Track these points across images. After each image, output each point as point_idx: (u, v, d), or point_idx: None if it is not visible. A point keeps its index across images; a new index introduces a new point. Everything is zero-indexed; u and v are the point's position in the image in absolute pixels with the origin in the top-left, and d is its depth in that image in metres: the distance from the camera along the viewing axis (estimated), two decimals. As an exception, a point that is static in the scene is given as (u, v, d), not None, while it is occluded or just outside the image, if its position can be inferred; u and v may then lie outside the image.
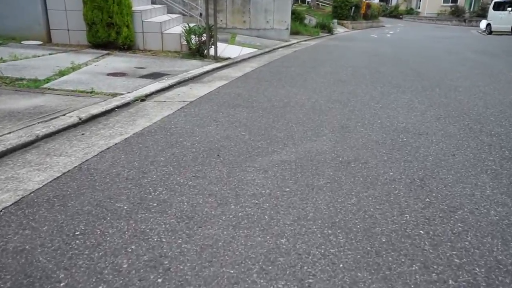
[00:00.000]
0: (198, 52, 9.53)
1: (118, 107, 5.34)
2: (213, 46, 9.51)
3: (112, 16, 9.22)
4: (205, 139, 4.04)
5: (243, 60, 10.05)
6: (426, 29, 28.76)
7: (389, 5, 40.47)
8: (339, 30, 23.18)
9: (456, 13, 36.69)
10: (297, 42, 15.15)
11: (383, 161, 3.58)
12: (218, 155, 3.62)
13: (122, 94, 5.88)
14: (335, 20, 23.70)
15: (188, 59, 9.28)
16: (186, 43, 9.60)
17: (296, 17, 19.92)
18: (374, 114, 5.22)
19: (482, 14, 35.39)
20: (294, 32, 17.89)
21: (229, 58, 9.93)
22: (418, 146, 4.00)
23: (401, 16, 38.42)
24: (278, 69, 8.73)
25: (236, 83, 7.11)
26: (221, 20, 14.66)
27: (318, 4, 32.06)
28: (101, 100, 5.48)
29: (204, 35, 9.42)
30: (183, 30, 9.51)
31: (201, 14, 14.71)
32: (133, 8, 9.75)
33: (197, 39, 9.45)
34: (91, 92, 5.90)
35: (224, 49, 11.15)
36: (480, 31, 27.33)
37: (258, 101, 5.82)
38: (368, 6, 28.94)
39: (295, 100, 5.96)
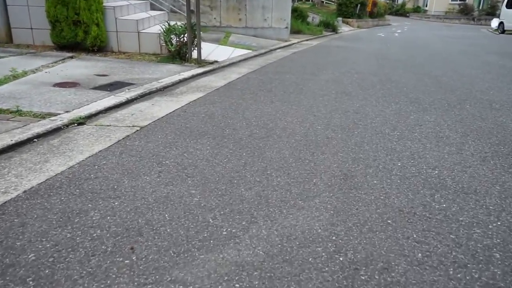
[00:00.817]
0: (178, 55, 7.94)
1: (40, 135, 3.79)
2: (196, 48, 7.93)
3: (79, 13, 7.64)
4: (124, 208, 2.46)
5: (232, 64, 8.46)
6: (434, 27, 26.90)
7: (396, 3, 38.54)
8: (344, 28, 21.46)
9: (465, 11, 34.70)
10: (298, 42, 13.50)
11: (416, 262, 2.00)
12: (131, 249, 2.05)
13: (55, 115, 4.32)
14: (340, 18, 21.96)
15: (165, 63, 7.71)
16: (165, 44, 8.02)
17: (298, 15, 18.24)
18: (390, 150, 3.62)
19: (492, 12, 33.42)
20: (295, 31, 16.23)
21: (216, 61, 8.34)
22: (469, 224, 2.40)
23: (408, 14, 36.51)
24: (270, 76, 7.13)
25: (213, 96, 5.53)
26: (215, 18, 13.05)
27: (323, 2, 30.27)
28: (21, 125, 3.93)
29: (186, 35, 7.83)
30: (162, 29, 7.93)
31: (192, 11, 13.12)
32: (104, 4, 8.18)
33: (177, 39, 7.87)
34: (15, 112, 4.35)
35: (213, 51, 9.57)
36: (491, 30, 25.45)
37: (233, 127, 4.23)
38: (374, 3, 27.13)
39: (283, 125, 4.37)
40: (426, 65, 9.08)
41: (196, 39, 7.93)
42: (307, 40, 14.61)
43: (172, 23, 8.11)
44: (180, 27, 7.89)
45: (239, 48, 10.54)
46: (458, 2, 35.46)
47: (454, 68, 8.80)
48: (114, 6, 8.25)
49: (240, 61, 8.90)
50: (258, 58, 9.56)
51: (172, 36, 7.86)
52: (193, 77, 6.86)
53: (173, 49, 7.81)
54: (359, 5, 24.07)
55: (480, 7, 35.43)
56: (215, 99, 5.32)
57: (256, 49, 10.68)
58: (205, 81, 6.54)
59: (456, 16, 34.89)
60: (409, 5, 38.03)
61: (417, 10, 37.31)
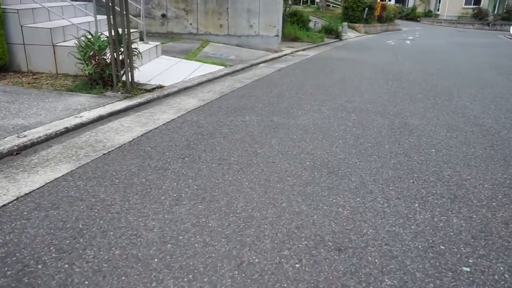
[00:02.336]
0: (101, 80, 5.28)
1: None
2: (136, 68, 5.26)
3: (-40, 19, 5.06)
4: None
5: (183, 90, 5.77)
6: (447, 33, 23.77)
7: (406, 6, 35.30)
8: (350, 34, 18.58)
9: (479, 16, 31.30)
10: (291, 53, 10.74)
11: None
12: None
13: None
14: (345, 23, 19.07)
15: (78, 92, 5.06)
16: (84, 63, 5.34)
17: (298, 19, 15.42)
18: None
19: (508, 17, 30.06)
20: (292, 38, 13.45)
21: (159, 87, 5.67)
22: None
23: (418, 19, 33.27)
24: (220, 118, 4.41)
25: (77, 179, 2.85)
26: (191, 24, 10.36)
27: (329, 5, 27.30)
28: None
29: (116, 51, 5.15)
30: (76, 44, 5.26)
31: (164, 15, 10.47)
32: (3, 6, 5.56)
33: (97, 58, 5.19)
34: None
35: (167, 69, 6.88)
36: (510, 36, 22.30)
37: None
38: (384, 7, 24.11)
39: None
40: (455, 93, 6.24)
41: (137, 55, 5.26)
42: (303, 49, 11.82)
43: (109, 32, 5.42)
44: (102, 40, 5.21)
45: (208, 63, 7.82)
46: (472, 6, 32.08)
47: (496, 96, 5.96)
48: (18, 9, 5.61)
49: (198, 84, 6.20)
50: (227, 78, 6.84)
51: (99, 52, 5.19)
52: (100, 119, 4.20)
53: (88, 72, 5.13)
54: (366, 8, 21.10)
55: (495, 12, 32.05)
56: (71, 190, 2.64)
57: (231, 65, 7.96)
58: (108, 130, 3.87)
59: (469, 21, 31.57)
60: (419, 9, 34.74)
61: (428, 14, 34.00)
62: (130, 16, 8.12)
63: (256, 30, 10.37)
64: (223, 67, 7.67)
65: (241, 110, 4.76)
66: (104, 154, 3.27)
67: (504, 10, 31.24)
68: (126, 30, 5.09)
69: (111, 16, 4.96)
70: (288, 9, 13.99)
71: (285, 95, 5.64)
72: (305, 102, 5.27)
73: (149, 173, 2.92)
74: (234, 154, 3.35)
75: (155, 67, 6.89)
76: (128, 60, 5.19)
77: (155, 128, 3.98)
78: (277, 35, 10.41)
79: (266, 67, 8.28)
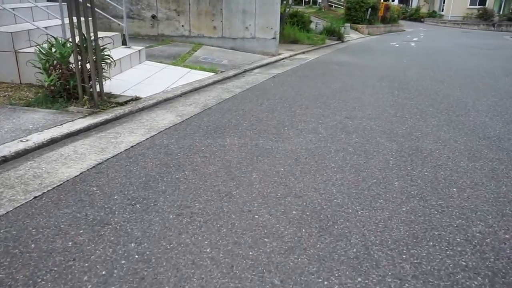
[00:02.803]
0: (66, 92, 4.53)
1: None
2: (99, 79, 4.51)
3: None
4: None
5: (162, 102, 5.02)
6: (453, 34, 22.85)
7: (409, 7, 34.29)
8: (352, 36, 17.74)
9: (484, 17, 30.29)
10: (290, 57, 9.94)
11: None
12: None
13: None
14: (348, 24, 18.24)
15: (37, 107, 4.31)
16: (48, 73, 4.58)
17: (298, 20, 14.61)
18: None
19: (514, 17, 29.12)
20: (292, 41, 12.66)
21: (135, 99, 4.92)
22: None
23: (422, 20, 32.29)
24: (196, 141, 3.65)
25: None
26: (183, 26, 9.59)
27: (331, 6, 26.44)
28: None
29: (82, 59, 4.40)
30: (36, 50, 4.51)
31: (154, 17, 9.70)
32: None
33: (60, 67, 4.43)
34: None
35: (150, 77, 6.12)
36: (517, 38, 21.42)
37: None
38: (387, 8, 23.21)
39: None
40: (470, 106, 5.43)
41: (110, 62, 4.50)
42: (303, 52, 11.02)
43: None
44: (65, 47, 4.46)
45: (197, 69, 7.06)
46: (477, 6, 31.08)
47: (516, 111, 5.15)
48: (-26, 11, 4.87)
49: (181, 94, 5.44)
50: (215, 87, 6.08)
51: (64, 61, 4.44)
52: (51, 143, 3.46)
53: (48, 83, 4.38)
54: (370, 9, 20.23)
55: (501, 12, 31.04)
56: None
57: (222, 71, 7.19)
58: (55, 159, 3.12)
59: (474, 22, 30.59)
60: (423, 10, 33.75)
61: (432, 15, 33.01)
62: (112, 18, 7.38)
63: (252, 32, 9.58)
64: (213, 73, 6.90)
65: (222, 129, 3.99)
66: (35, 197, 2.51)
67: (510, 11, 30.23)
68: (93, 34, 4.33)
69: (79, 18, 4.20)
70: (287, 9, 13.19)
71: (277, 108, 4.86)
72: (299, 118, 4.49)
73: (81, 231, 2.16)
74: (202, 197, 2.58)
75: (135, 75, 6.13)
76: (96, 69, 4.43)
77: (113, 156, 3.22)
78: (274, 38, 9.62)
79: (261, 73, 7.50)
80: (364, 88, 6.27)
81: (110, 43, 5.15)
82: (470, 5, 31.29)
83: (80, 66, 4.40)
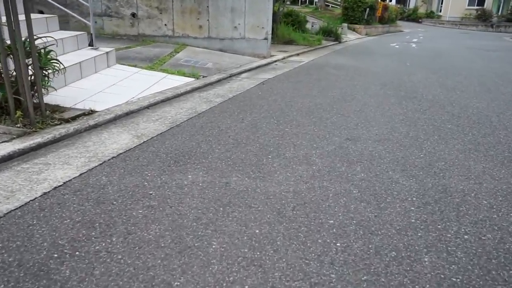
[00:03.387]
0: (-6, 106, 3.52)
1: None
2: (38, 89, 3.51)
3: None
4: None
5: (118, 118, 4.00)
6: (453, 35, 21.89)
7: (407, 7, 33.28)
8: (350, 36, 16.74)
9: (483, 18, 29.34)
10: (283, 59, 8.94)
11: None
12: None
13: None
14: (345, 24, 17.23)
15: (-50, 126, 3.30)
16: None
17: (293, 20, 13.61)
18: None
19: (512, 18, 28.23)
20: (286, 41, 11.65)
21: (89, 113, 3.90)
22: None
23: (420, 20, 31.28)
24: (147, 176, 2.66)
25: None
26: (165, 25, 8.56)
27: (328, 6, 25.41)
28: None
29: (17, 65, 3.38)
30: (-45, 53, 3.48)
31: (134, 15, 8.67)
32: None
33: (-16, 75, 3.41)
34: None
35: (114, 85, 5.08)
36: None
37: None
38: (385, 8, 22.21)
39: None
40: (495, 121, 4.43)
41: (54, 70, 3.49)
42: (297, 54, 10.02)
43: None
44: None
45: (175, 74, 6.05)
46: (476, 7, 30.15)
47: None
48: None
49: (148, 106, 4.44)
50: (193, 96, 5.07)
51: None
52: None
53: (-35, 97, 3.37)
54: (367, 9, 19.23)
55: (500, 13, 30.12)
56: None
57: (205, 76, 6.19)
58: None
59: (472, 22, 29.67)
60: (421, 10, 32.77)
61: (430, 15, 32.04)
62: (81, 18, 6.35)
63: (241, 32, 8.56)
64: (192, 79, 5.89)
65: (186, 158, 2.99)
66: None
67: (509, 11, 29.32)
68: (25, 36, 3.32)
69: (12, 14, 3.19)
70: (281, 8, 12.18)
71: (262, 126, 3.86)
72: (288, 140, 3.49)
73: None
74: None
75: (98, 82, 5.11)
76: (31, 77, 3.42)
77: (19, 207, 2.22)
78: (266, 38, 8.60)
79: (248, 78, 6.49)
80: (367, 98, 5.27)
81: (54, 44, 4.12)
82: (468, 5, 30.35)
83: (11, 73, 3.39)
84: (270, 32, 8.70)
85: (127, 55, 6.89)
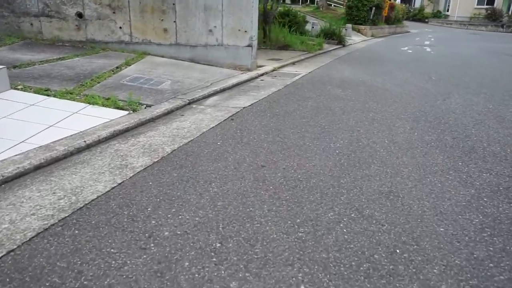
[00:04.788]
0: None
1: None
2: None
3: None
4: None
5: None
6: (464, 36, 19.45)
7: (412, 6, 30.66)
8: (354, 38, 14.42)
9: (493, 17, 26.79)
10: (273, 71, 6.71)
11: None
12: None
13: None
14: (349, 25, 14.89)
15: None
16: None
17: (290, 21, 11.35)
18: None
19: (524, 18, 25.71)
20: (281, 46, 9.42)
21: None
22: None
23: (426, 20, 28.75)
24: None
25: None
26: (121, 28, 6.34)
27: (330, 5, 23.00)
28: None
29: None
30: None
31: (80, 15, 6.44)
32: None
33: None
34: None
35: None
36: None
37: None
38: (392, 7, 19.78)
39: None
40: None
41: None
42: (293, 63, 7.79)
43: None
44: None
45: (99, 105, 3.82)
46: (485, 6, 27.59)
47: None
48: None
49: (1, 183, 2.25)
50: (102, 153, 2.85)
51: None
52: None
53: None
54: (373, 8, 16.86)
55: (510, 13, 27.57)
56: None
57: (149, 105, 3.99)
58: None
59: (482, 22, 27.14)
60: (427, 10, 30.24)
61: (437, 15, 29.49)
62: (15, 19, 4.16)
63: (218, 37, 6.33)
64: (125, 113, 3.69)
65: None
66: None
67: (520, 11, 26.80)
68: None
69: None
70: (274, 7, 9.91)
71: (182, 265, 1.66)
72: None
73: None
74: None
75: None
76: None
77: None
78: (250, 45, 6.36)
79: (215, 106, 4.28)
80: (395, 156, 3.03)
81: None
82: (477, 5, 27.78)
83: None
84: (256, 36, 6.45)
85: (49, 71, 4.70)
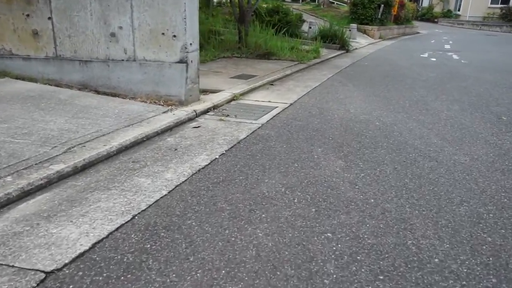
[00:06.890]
0: None
1: None
2: None
3: None
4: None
5: None
6: (482, 39, 16.16)
7: (420, 5, 27.16)
8: (360, 41, 11.33)
9: (508, 17, 23.29)
10: (230, 101, 3.77)
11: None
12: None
13: None
14: (355, 25, 11.78)
15: None
16: None
17: (281, 20, 8.32)
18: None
19: (542, 18, 22.21)
20: (261, 54, 6.43)
21: None
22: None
23: (436, 20, 25.35)
24: None
25: None
26: (-42, 29, 3.42)
27: (333, 3, 19.77)
28: None
29: None
30: None
31: None
32: None
33: None
34: None
35: None
36: None
37: None
38: (402, 5, 16.57)
39: None
40: None
41: None
42: (271, 83, 4.81)
43: None
44: None
45: None
46: (499, 5, 24.04)
47: None
48: None
49: None
50: None
51: None
52: None
53: None
54: (382, 5, 13.67)
55: (527, 12, 23.98)
56: None
57: None
58: None
59: (496, 23, 23.64)
60: (437, 9, 26.75)
61: (447, 14, 26.00)
62: None
63: (126, 46, 3.37)
64: None
65: None
66: None
67: (537, 10, 23.24)
68: None
69: None
70: (252, 1, 6.92)
71: None
72: None
73: None
74: None
75: None
76: None
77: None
78: (182, 60, 3.37)
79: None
80: None
81: None
82: (491, 4, 24.24)
83: None
84: (196, 44, 3.46)
85: None
